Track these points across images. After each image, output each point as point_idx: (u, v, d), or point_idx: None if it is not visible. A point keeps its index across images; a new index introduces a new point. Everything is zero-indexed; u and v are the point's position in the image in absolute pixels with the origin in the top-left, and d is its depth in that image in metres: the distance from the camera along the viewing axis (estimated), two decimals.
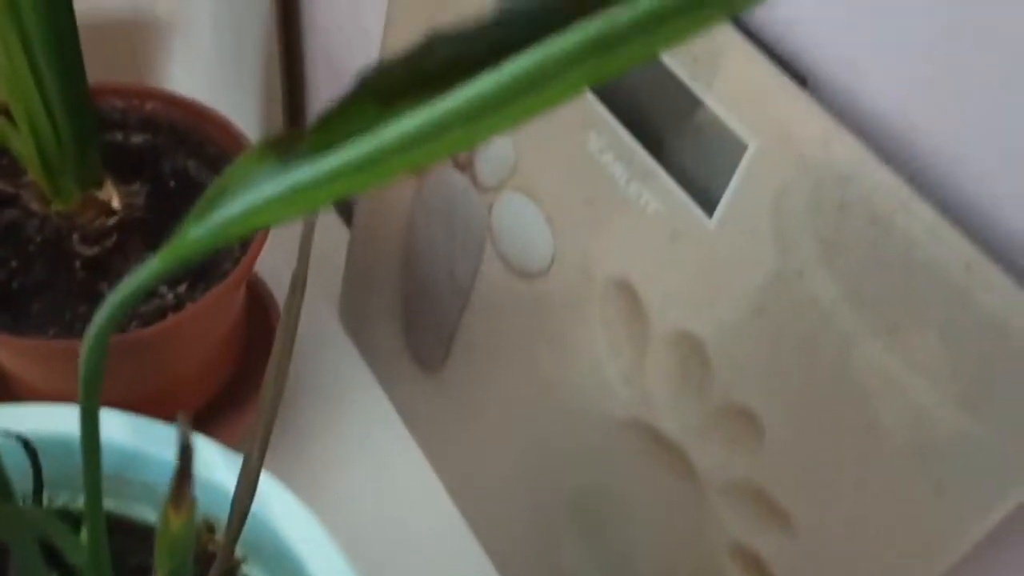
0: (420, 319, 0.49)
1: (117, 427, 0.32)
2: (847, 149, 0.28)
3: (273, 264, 0.56)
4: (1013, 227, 0.26)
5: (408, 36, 0.45)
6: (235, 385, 0.50)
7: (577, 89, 0.14)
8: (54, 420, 0.32)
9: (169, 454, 0.32)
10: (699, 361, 0.34)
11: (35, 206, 0.45)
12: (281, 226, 0.51)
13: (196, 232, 0.15)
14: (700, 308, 0.34)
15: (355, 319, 0.55)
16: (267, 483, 0.30)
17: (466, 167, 0.43)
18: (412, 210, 0.47)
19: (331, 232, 0.59)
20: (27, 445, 0.30)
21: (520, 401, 0.44)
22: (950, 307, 0.26)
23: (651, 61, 0.33)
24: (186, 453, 0.16)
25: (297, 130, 0.15)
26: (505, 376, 0.44)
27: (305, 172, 0.14)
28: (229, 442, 0.49)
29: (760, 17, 0.31)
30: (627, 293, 0.36)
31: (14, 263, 0.44)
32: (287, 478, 0.51)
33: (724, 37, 0.30)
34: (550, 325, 0.41)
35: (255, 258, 0.44)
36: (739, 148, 0.30)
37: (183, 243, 0.15)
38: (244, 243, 0.45)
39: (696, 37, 0.13)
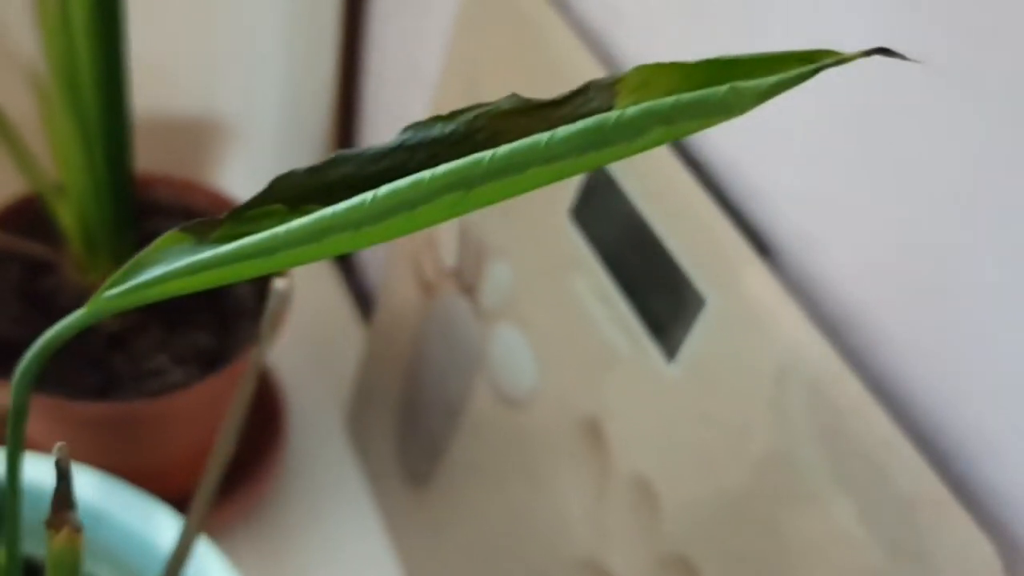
0: (414, 433, 0.51)
1: (88, 485, 0.34)
2: (793, 319, 0.29)
3: (291, 361, 0.58)
4: (930, 409, 0.27)
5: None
6: (231, 472, 0.52)
7: (443, 215, 0.16)
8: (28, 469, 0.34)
9: (135, 521, 0.34)
10: (651, 506, 0.35)
11: (72, 276, 0.48)
12: (296, 324, 0.53)
13: (113, 292, 0.17)
14: (655, 453, 0.35)
15: (358, 424, 0.57)
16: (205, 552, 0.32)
17: (471, 292, 0.45)
18: (420, 327, 0.50)
19: (348, 335, 0.62)
20: None
21: (492, 528, 0.44)
22: (868, 481, 0.27)
23: (629, 214, 0.35)
24: (63, 478, 0.18)
25: (212, 219, 0.17)
26: (481, 501, 0.45)
27: (210, 254, 0.16)
28: (216, 526, 0.50)
29: (735, 187, 0.33)
30: (594, 432, 0.38)
31: (42, 326, 0.47)
32: (266, 571, 0.52)
33: (698, 200, 0.33)
34: (527, 456, 0.42)
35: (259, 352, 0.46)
36: (699, 303, 0.32)
37: (101, 300, 0.17)
38: (256, 336, 0.48)
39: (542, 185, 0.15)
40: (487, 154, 0.15)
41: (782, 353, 0.30)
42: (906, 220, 0.28)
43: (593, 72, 0.37)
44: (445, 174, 0.15)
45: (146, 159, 0.49)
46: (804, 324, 0.29)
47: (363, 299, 0.64)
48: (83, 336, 0.47)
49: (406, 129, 0.17)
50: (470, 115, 0.17)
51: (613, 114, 0.15)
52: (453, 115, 0.17)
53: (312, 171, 0.17)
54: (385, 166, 0.17)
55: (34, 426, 0.49)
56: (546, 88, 0.40)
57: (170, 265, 0.16)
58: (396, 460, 0.53)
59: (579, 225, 0.37)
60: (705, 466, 0.32)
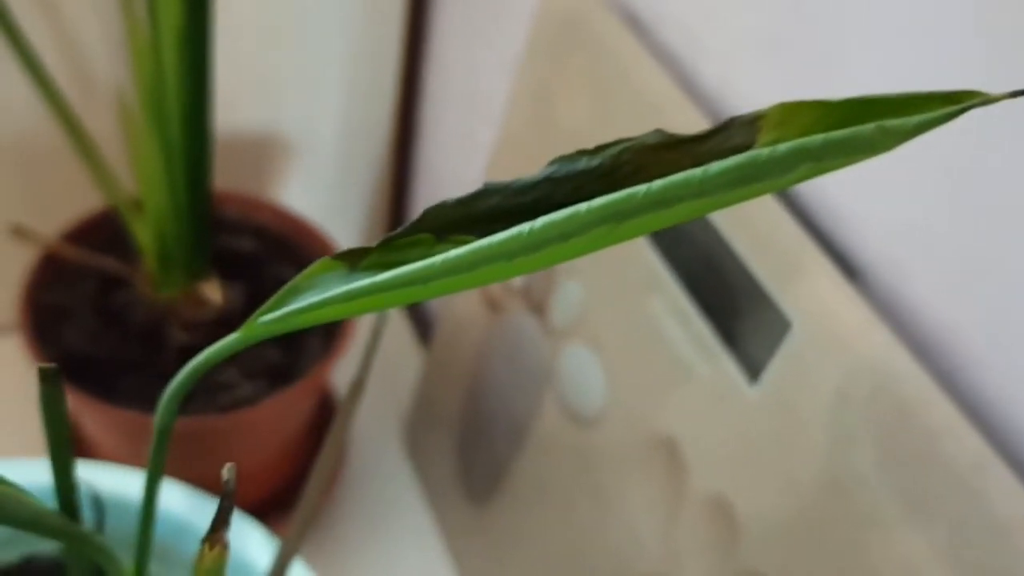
0: (475, 451, 0.51)
1: (174, 498, 0.35)
2: (882, 341, 0.30)
3: (350, 377, 0.59)
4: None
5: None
6: (291, 489, 0.53)
7: (592, 246, 0.16)
8: (120, 482, 0.35)
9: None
10: (729, 526, 0.36)
11: (144, 291, 0.49)
12: (356, 340, 0.54)
13: (269, 317, 0.18)
14: (736, 474, 0.35)
15: (417, 441, 0.57)
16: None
17: (540, 310, 0.46)
18: (484, 345, 0.50)
19: (407, 355, 0.62)
20: (97, 501, 0.32)
21: (557, 546, 0.45)
22: (960, 504, 0.27)
23: (711, 236, 0.35)
24: (228, 498, 0.19)
25: (363, 247, 0.18)
26: (546, 521, 0.46)
27: (367, 282, 0.17)
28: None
29: (820, 210, 0.34)
30: (669, 451, 0.38)
31: (115, 340, 0.48)
32: None
33: (783, 223, 0.33)
34: (594, 475, 0.42)
35: (329, 368, 0.47)
36: (784, 325, 0.32)
37: (256, 325, 0.18)
38: (324, 353, 0.48)
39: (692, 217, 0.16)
40: (642, 188, 0.16)
41: (870, 375, 0.30)
42: (997, 242, 0.28)
43: (672, 97, 0.38)
44: (601, 207, 0.16)
45: None
46: (893, 346, 0.29)
47: (422, 315, 0.65)
48: (154, 350, 0.48)
49: (552, 162, 0.17)
50: (615, 149, 0.17)
51: (765, 151, 0.16)
52: (598, 149, 0.17)
53: (461, 203, 0.17)
54: (532, 198, 0.17)
55: (106, 438, 0.50)
56: (624, 111, 0.40)
57: (326, 292, 0.17)
58: (456, 478, 0.53)
59: (657, 246, 0.38)
60: (786, 486, 0.33)
